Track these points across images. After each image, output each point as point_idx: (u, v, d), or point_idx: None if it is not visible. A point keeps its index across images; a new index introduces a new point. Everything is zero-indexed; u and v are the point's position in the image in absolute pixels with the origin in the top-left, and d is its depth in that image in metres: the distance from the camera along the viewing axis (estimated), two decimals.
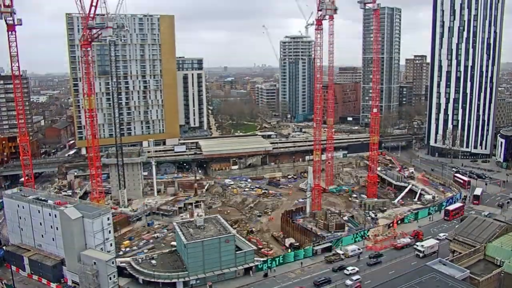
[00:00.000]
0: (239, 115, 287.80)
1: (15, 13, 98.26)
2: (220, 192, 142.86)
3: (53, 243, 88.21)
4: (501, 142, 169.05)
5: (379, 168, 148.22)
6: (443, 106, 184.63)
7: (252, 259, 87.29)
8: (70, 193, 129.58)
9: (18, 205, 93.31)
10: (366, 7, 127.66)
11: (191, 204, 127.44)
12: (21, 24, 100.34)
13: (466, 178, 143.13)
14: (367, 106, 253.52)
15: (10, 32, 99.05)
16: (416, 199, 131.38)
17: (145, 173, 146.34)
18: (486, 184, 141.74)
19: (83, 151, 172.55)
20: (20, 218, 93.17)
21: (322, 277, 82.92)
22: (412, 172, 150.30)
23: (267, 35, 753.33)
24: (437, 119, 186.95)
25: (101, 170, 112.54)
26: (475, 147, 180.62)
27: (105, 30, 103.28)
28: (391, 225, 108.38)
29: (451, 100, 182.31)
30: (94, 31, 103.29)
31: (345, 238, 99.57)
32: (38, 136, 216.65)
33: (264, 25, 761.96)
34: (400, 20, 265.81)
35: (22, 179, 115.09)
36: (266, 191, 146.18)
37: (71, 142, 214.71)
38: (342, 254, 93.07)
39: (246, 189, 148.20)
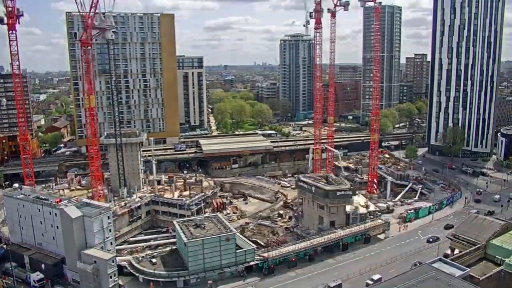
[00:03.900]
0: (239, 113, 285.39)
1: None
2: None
3: (54, 242, 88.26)
4: (502, 141, 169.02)
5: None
6: (443, 105, 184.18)
7: (253, 258, 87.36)
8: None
9: (18, 204, 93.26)
10: (366, 5, 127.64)
11: None
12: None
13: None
14: (367, 104, 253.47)
15: (10, 31, 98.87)
16: (416, 197, 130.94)
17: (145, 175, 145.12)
18: (486, 183, 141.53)
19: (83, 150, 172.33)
20: (21, 217, 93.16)
21: None
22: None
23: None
24: (437, 118, 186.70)
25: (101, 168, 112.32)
26: (476, 146, 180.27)
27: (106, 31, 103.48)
28: None
29: (452, 99, 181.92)
30: (95, 31, 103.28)
31: None
32: (38, 134, 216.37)
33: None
34: (400, 18, 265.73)
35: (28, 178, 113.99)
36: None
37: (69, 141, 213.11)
38: None
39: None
